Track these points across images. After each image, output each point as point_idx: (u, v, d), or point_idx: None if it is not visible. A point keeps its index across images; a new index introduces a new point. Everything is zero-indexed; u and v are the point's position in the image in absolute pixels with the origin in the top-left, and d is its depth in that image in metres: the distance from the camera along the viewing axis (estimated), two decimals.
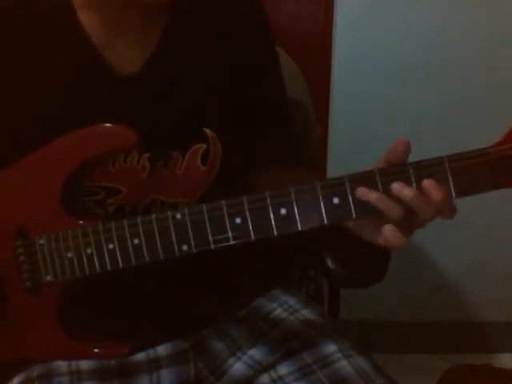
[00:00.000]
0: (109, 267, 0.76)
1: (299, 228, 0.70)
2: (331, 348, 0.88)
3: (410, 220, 0.68)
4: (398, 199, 0.66)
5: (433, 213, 0.66)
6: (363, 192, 0.67)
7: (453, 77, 1.60)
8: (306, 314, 0.95)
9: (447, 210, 0.67)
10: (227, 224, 0.71)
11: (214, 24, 0.88)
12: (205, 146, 0.86)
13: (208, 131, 0.86)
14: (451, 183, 0.66)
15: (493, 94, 1.60)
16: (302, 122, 1.22)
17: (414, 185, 0.67)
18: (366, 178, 0.68)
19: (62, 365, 0.89)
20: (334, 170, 1.67)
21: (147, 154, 0.84)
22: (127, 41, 0.83)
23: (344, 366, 0.86)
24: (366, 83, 1.61)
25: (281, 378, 0.87)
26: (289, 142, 0.97)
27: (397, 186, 0.66)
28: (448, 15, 1.54)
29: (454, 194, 0.67)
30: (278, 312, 0.95)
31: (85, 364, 0.89)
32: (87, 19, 0.82)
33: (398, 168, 0.68)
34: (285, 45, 1.18)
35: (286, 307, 0.96)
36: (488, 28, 1.55)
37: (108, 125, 0.77)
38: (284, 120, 0.97)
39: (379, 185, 0.68)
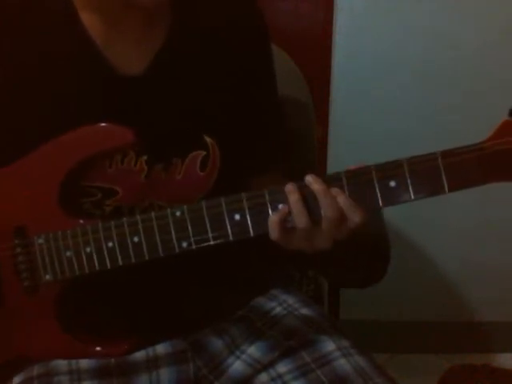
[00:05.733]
0: (108, 266, 0.77)
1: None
2: (330, 346, 0.88)
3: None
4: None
5: (336, 214, 0.70)
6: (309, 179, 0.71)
7: (453, 77, 1.60)
8: (305, 312, 0.95)
9: (351, 214, 0.71)
10: (226, 220, 0.72)
11: (215, 28, 0.88)
12: (204, 152, 0.86)
13: (208, 139, 0.86)
14: (444, 178, 0.67)
15: (493, 93, 1.60)
16: (301, 122, 1.22)
17: (409, 181, 0.67)
18: (361, 174, 0.70)
19: (61, 364, 0.89)
20: (333, 170, 1.67)
21: (145, 157, 0.83)
22: (129, 41, 0.83)
23: (343, 364, 0.86)
24: (365, 83, 1.61)
25: (280, 376, 0.87)
26: (279, 148, 0.97)
27: (309, 179, 0.70)
28: (448, 15, 1.54)
29: (447, 189, 0.67)
30: (277, 311, 0.96)
31: (84, 363, 0.89)
32: (88, 19, 0.81)
33: (392, 164, 0.69)
34: (285, 45, 1.18)
35: (285, 306, 0.96)
36: (488, 28, 1.55)
37: (104, 124, 0.77)
38: (276, 125, 0.97)
39: (375, 181, 0.69)
